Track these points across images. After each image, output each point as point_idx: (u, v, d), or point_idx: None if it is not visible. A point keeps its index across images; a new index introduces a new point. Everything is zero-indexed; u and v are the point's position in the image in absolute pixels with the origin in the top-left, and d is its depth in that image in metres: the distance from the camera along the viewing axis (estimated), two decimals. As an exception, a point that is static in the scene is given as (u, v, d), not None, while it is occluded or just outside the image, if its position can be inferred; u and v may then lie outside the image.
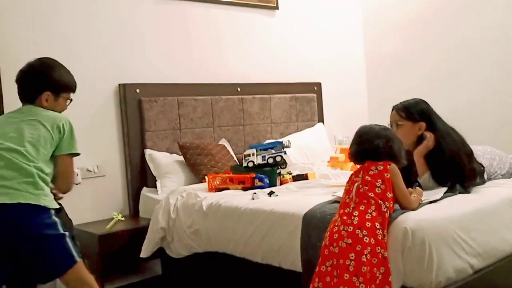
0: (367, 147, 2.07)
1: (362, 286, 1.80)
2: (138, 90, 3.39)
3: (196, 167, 3.34)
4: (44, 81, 2.15)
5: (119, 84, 3.34)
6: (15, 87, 2.19)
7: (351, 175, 2.12)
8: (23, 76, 2.17)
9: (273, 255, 2.38)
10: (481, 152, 2.65)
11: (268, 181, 2.99)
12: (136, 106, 3.37)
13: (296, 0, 4.35)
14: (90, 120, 3.22)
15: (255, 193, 2.73)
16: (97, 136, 3.25)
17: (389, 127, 2.46)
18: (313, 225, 2.21)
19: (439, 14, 4.29)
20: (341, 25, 4.70)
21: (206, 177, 3.12)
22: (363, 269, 1.81)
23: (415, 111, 2.50)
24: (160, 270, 3.12)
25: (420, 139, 2.48)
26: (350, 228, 1.88)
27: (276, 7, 4.19)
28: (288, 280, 2.35)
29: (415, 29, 4.46)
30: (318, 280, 1.88)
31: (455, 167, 2.40)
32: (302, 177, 3.12)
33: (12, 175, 1.88)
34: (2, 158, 1.92)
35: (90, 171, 3.21)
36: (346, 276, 1.81)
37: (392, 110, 2.58)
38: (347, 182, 2.11)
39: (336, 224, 1.94)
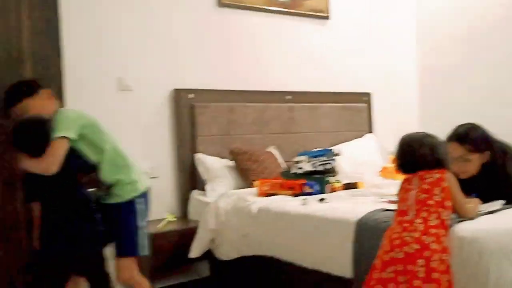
0: (413, 158, 2.04)
1: None
2: (191, 96, 3.48)
3: (245, 172, 3.38)
4: None
5: (174, 89, 3.44)
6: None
7: (403, 183, 2.10)
8: None
9: (322, 261, 2.38)
10: None
11: (317, 188, 2.99)
12: (189, 111, 3.46)
13: (348, 11, 4.35)
14: (146, 123, 3.33)
15: (305, 198, 2.73)
16: (152, 139, 3.35)
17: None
18: (366, 232, 2.20)
19: (496, 27, 4.18)
20: (394, 36, 4.66)
21: (255, 182, 3.16)
22: (433, 275, 1.78)
23: (480, 141, 2.32)
24: (208, 271, 3.17)
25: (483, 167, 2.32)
26: (416, 234, 1.85)
27: (328, 17, 4.20)
28: (337, 286, 2.34)
29: (471, 41, 4.36)
30: (382, 287, 1.85)
31: None
32: (353, 185, 3.11)
33: None
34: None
35: (144, 172, 3.31)
36: (415, 283, 1.78)
37: (449, 141, 2.35)
38: (400, 190, 2.08)
39: (396, 231, 1.91)
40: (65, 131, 2.04)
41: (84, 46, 3.11)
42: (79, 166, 2.13)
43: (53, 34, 2.92)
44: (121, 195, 2.18)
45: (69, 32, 2.93)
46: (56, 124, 2.06)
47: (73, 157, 2.08)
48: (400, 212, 1.99)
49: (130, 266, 2.17)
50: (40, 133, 2.04)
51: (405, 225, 1.91)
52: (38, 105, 2.18)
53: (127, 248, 2.17)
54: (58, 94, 2.91)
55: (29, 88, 2.21)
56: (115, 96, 3.23)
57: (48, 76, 2.86)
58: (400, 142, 2.13)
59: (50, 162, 2.00)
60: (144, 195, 2.24)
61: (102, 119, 3.20)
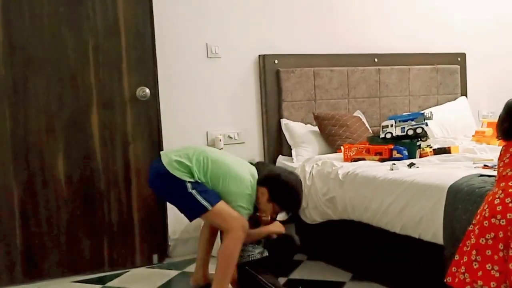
0: None
1: None
2: (276, 61, 3.48)
3: (331, 137, 3.36)
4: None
5: (259, 55, 3.47)
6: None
7: (506, 146, 1.97)
8: None
9: (413, 226, 2.33)
10: None
11: (407, 153, 2.90)
12: (274, 77, 3.47)
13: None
14: (233, 89, 3.41)
15: (394, 163, 2.67)
16: (238, 105, 3.43)
17: None
18: (460, 198, 2.11)
19: None
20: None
21: (341, 147, 3.13)
22: None
23: None
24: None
25: None
26: None
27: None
28: (428, 252, 2.29)
29: None
30: (476, 253, 1.78)
31: None
32: (444, 150, 2.98)
33: None
34: None
35: (232, 137, 3.41)
36: None
37: None
38: (503, 155, 1.96)
39: (498, 197, 1.81)
40: None
41: (175, 15, 3.22)
42: None
43: (145, 5, 3.05)
44: None
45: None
46: None
47: None
48: (503, 178, 1.87)
49: None
50: None
51: (510, 190, 1.80)
52: None
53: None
54: (152, 62, 3.09)
55: None
56: (204, 64, 3.32)
57: (142, 46, 3.03)
58: (506, 106, 2.00)
59: None
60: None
61: (192, 86, 3.34)
